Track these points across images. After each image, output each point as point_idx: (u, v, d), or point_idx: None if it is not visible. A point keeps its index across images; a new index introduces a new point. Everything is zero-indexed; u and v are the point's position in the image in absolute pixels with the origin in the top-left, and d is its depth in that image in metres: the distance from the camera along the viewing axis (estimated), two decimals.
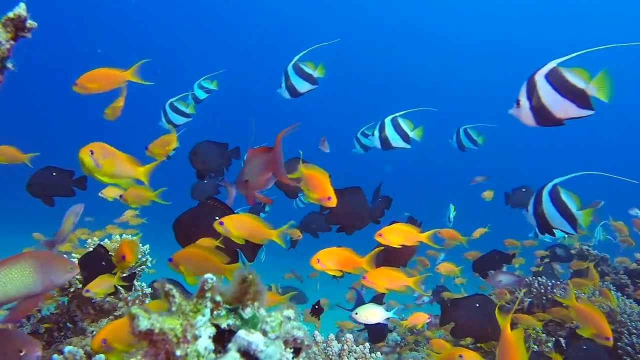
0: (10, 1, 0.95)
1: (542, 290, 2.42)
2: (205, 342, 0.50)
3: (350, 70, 18.17)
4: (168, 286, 0.54)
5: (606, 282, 2.71)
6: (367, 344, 1.40)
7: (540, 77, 1.33)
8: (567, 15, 16.87)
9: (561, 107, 1.32)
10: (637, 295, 2.53)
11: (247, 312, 0.53)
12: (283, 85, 2.13)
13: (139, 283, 1.74)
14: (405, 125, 2.33)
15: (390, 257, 1.71)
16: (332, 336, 1.40)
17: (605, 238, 3.47)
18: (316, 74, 2.15)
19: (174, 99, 2.93)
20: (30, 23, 0.94)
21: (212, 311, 0.52)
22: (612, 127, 17.01)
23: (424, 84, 19.27)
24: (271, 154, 1.26)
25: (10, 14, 0.92)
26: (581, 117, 1.32)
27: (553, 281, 2.48)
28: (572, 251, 3.05)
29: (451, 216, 2.96)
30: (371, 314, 1.63)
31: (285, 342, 0.53)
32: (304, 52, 2.21)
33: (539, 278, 2.50)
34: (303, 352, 0.55)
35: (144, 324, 0.49)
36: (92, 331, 1.51)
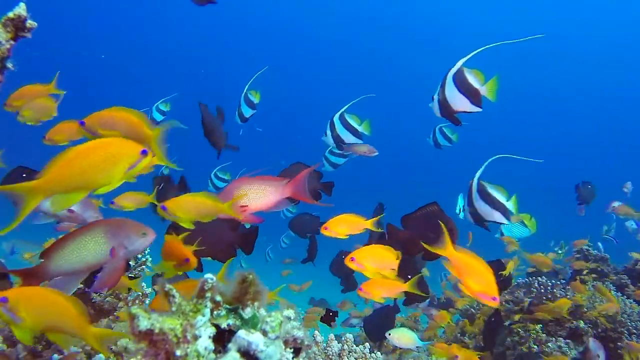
0: (10, 1, 0.95)
1: (542, 290, 2.42)
2: (205, 342, 0.50)
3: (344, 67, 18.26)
4: (168, 286, 0.54)
5: (606, 282, 2.71)
6: (367, 344, 1.40)
7: (449, 75, 1.55)
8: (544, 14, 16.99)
9: (458, 102, 1.54)
10: (637, 295, 2.53)
11: (247, 312, 0.53)
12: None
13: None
14: (352, 121, 2.43)
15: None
16: (332, 336, 1.40)
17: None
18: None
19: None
20: (30, 23, 0.94)
21: (212, 311, 0.52)
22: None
23: (420, 82, 19.29)
24: (294, 184, 1.26)
25: (10, 14, 0.92)
26: (472, 112, 1.53)
27: (553, 281, 2.48)
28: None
29: (461, 207, 2.82)
30: (404, 337, 1.69)
31: (285, 342, 0.53)
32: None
33: (539, 278, 2.50)
34: (303, 352, 0.55)
35: (144, 324, 0.49)
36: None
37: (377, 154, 2.67)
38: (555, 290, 2.41)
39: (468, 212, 1.75)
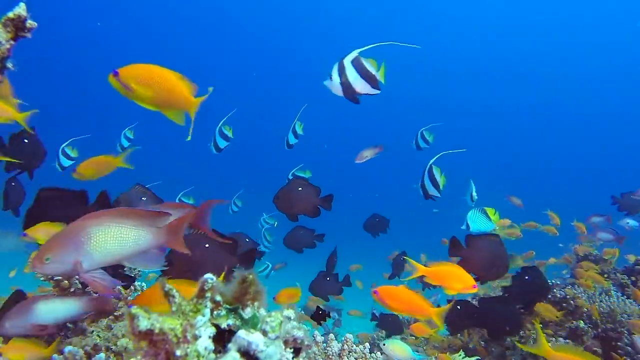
0: (11, 1, 0.95)
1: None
2: (205, 342, 0.50)
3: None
4: (168, 286, 0.54)
5: (607, 284, 2.70)
6: (367, 344, 1.40)
7: (347, 62, 1.80)
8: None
9: (360, 85, 1.82)
10: (636, 294, 2.53)
11: (247, 312, 0.53)
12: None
13: (139, 283, 1.74)
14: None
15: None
16: (332, 336, 1.40)
17: None
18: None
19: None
20: (30, 23, 0.94)
21: (212, 311, 0.52)
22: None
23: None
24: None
25: (10, 14, 0.92)
26: (372, 94, 1.85)
27: (553, 281, 2.48)
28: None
29: (474, 194, 2.83)
30: (398, 349, 1.69)
31: (285, 342, 0.53)
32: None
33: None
34: (303, 352, 0.55)
35: (144, 324, 0.49)
36: (92, 331, 1.51)
37: (382, 149, 2.79)
38: (555, 290, 2.41)
39: (420, 188, 2.48)
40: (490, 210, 2.50)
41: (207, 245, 1.31)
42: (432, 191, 2.50)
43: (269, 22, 18.47)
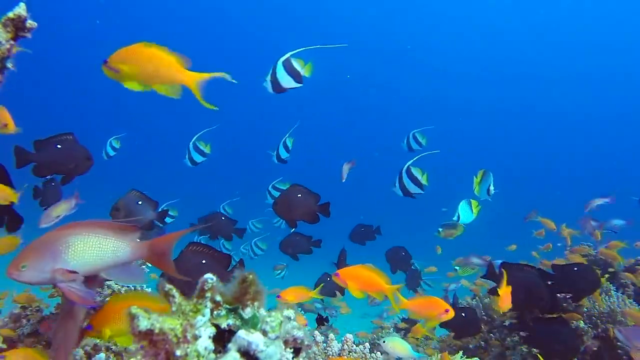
0: (11, 1, 0.95)
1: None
2: (205, 342, 0.50)
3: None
4: (168, 286, 0.54)
5: (605, 283, 2.70)
6: (367, 344, 1.40)
7: (279, 63, 2.19)
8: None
9: (285, 81, 2.19)
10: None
11: (247, 312, 0.53)
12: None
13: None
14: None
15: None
16: (332, 336, 1.40)
17: None
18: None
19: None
20: (30, 23, 0.94)
21: (212, 311, 0.52)
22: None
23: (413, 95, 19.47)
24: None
25: (10, 14, 0.92)
26: (296, 87, 2.20)
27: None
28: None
29: (491, 188, 2.75)
30: (398, 347, 1.69)
31: (285, 342, 0.53)
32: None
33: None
34: (303, 352, 0.55)
35: (144, 324, 0.49)
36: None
37: (355, 164, 2.91)
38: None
39: (398, 187, 2.63)
40: (474, 203, 2.60)
41: (203, 262, 1.29)
42: (413, 189, 2.64)
43: (268, 23, 18.48)
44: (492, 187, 2.69)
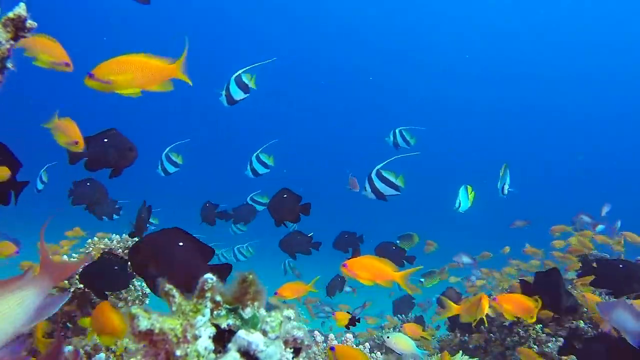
0: (11, 1, 0.95)
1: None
2: (205, 342, 0.50)
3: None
4: (168, 286, 0.54)
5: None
6: (367, 344, 1.40)
7: (232, 80, 2.66)
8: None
9: (237, 94, 2.68)
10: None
11: (247, 312, 0.53)
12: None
13: (139, 283, 1.74)
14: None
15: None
16: (332, 336, 1.40)
17: None
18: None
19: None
20: (30, 23, 0.94)
21: (212, 311, 0.52)
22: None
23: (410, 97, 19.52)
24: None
25: (10, 14, 0.92)
26: (244, 98, 2.70)
27: None
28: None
29: (506, 186, 2.71)
30: (402, 343, 1.69)
31: (285, 342, 0.53)
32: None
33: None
34: (303, 352, 0.55)
35: (144, 324, 0.49)
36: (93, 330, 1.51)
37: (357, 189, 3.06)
38: None
39: (370, 191, 2.68)
40: (469, 189, 2.64)
41: (180, 244, 1.23)
42: (387, 192, 2.68)
43: (268, 23, 18.49)
44: (507, 186, 2.67)
